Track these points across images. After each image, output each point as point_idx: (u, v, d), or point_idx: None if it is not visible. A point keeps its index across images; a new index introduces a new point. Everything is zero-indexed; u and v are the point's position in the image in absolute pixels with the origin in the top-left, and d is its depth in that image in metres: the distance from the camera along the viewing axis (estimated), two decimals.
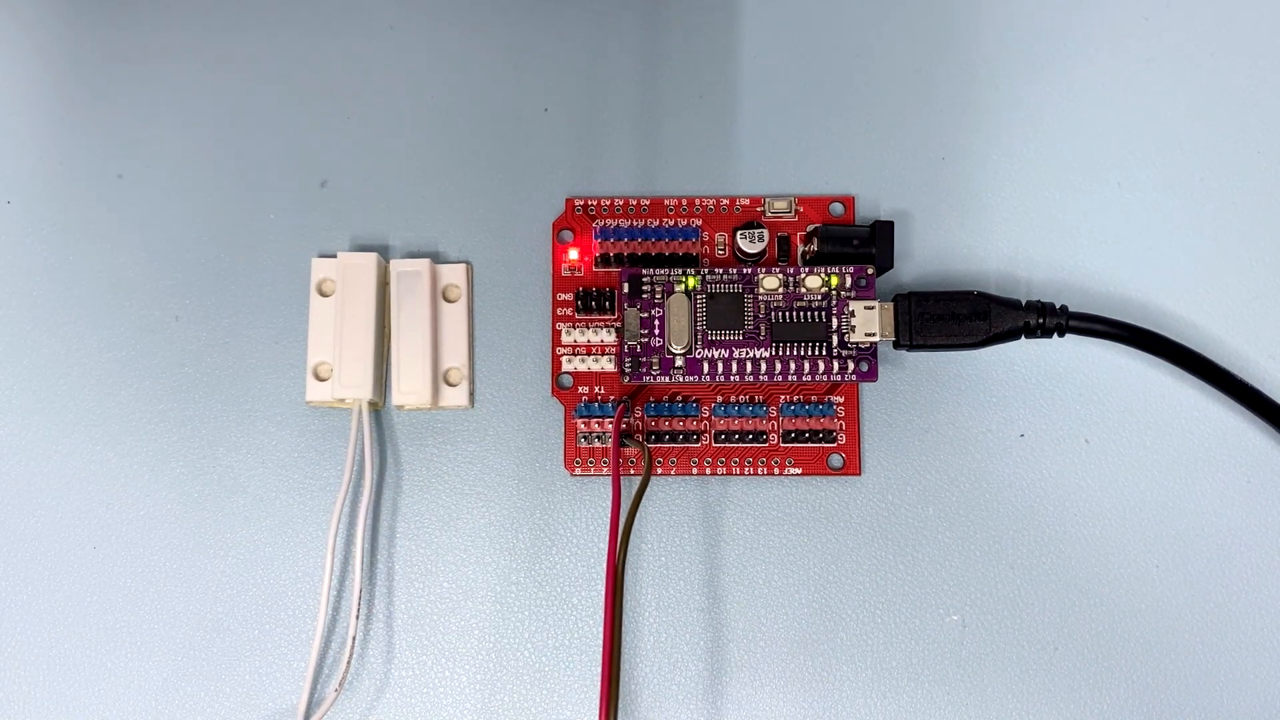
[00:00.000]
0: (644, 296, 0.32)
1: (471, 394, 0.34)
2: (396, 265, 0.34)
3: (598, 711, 0.28)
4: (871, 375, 0.32)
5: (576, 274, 0.34)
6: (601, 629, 0.31)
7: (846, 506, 0.34)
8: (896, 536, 0.34)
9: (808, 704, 0.33)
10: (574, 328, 0.34)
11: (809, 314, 0.32)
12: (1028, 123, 0.35)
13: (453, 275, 0.34)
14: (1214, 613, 0.33)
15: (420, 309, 0.34)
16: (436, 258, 0.34)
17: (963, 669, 0.33)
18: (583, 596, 0.34)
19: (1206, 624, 0.33)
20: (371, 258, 0.34)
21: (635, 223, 0.35)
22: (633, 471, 0.34)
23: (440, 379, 0.34)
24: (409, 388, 0.33)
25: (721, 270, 0.32)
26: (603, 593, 0.31)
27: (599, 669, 0.30)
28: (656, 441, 0.34)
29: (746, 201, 0.35)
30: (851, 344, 0.32)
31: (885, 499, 0.34)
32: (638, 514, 0.33)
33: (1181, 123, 0.36)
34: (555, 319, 0.34)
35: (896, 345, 0.33)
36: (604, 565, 0.32)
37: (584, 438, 0.34)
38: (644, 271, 0.32)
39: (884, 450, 0.34)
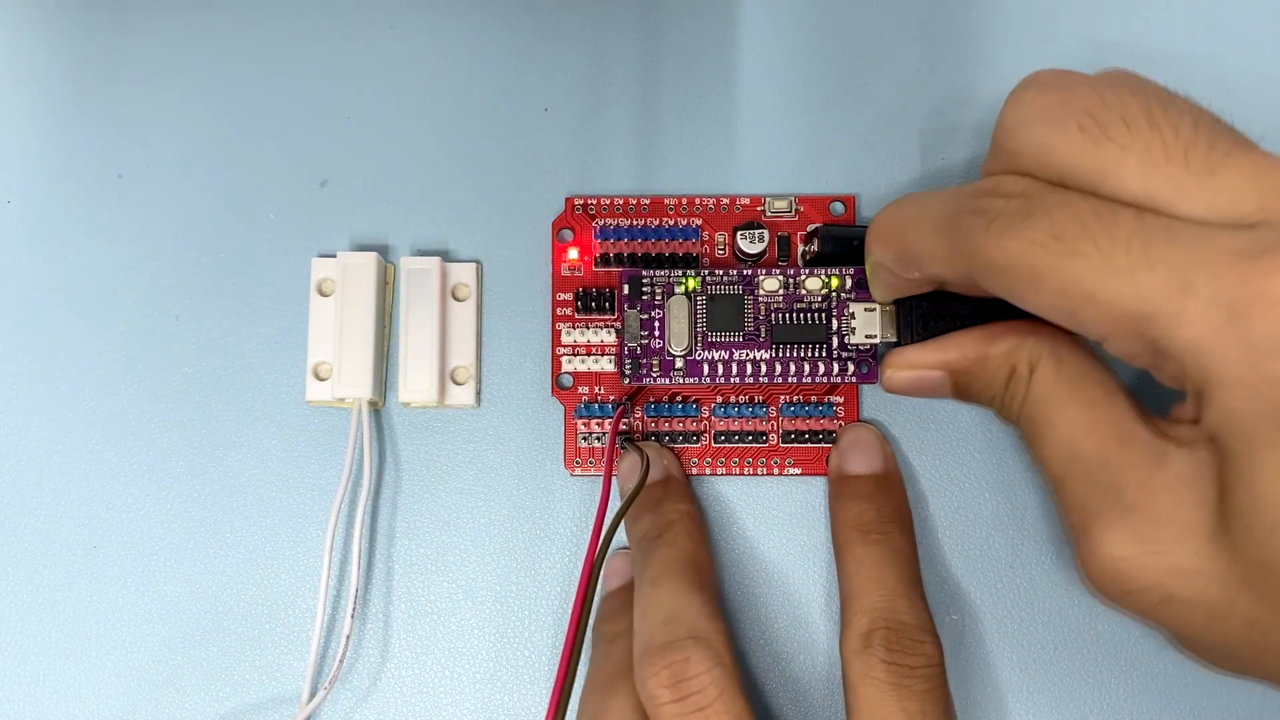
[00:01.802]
0: (644, 298, 0.32)
1: (478, 393, 0.34)
2: (406, 263, 0.34)
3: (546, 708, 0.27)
4: (871, 377, 0.32)
5: (576, 274, 0.34)
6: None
7: None
8: None
9: (807, 704, 0.33)
10: (574, 328, 0.34)
11: (809, 315, 0.32)
12: None
13: (462, 274, 0.34)
14: None
15: (429, 307, 0.34)
16: (441, 257, 0.34)
17: (963, 669, 0.33)
18: None
19: None
20: (371, 257, 0.34)
21: (635, 222, 0.35)
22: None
23: (447, 377, 0.34)
24: (416, 385, 0.33)
25: (722, 271, 0.32)
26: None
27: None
28: (656, 442, 0.34)
29: (746, 201, 0.35)
30: (851, 346, 0.32)
31: None
32: None
33: None
34: (555, 319, 0.34)
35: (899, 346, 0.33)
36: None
37: (584, 438, 0.34)
38: (644, 273, 0.32)
39: None
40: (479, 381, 0.34)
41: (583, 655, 0.29)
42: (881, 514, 0.32)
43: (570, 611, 0.29)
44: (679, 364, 0.32)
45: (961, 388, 0.29)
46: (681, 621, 0.28)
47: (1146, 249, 0.23)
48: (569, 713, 0.27)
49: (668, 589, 0.29)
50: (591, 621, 0.32)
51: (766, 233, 0.34)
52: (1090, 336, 0.25)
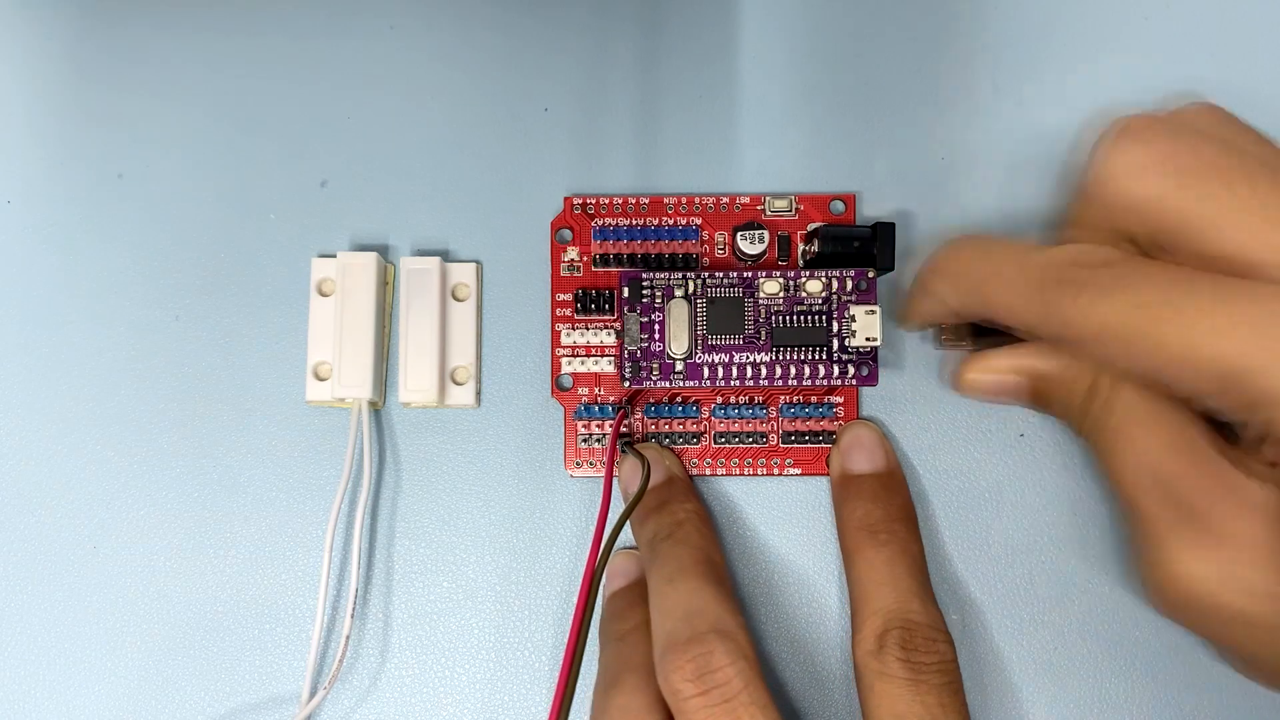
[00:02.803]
0: (644, 301, 0.32)
1: (478, 393, 0.34)
2: (406, 263, 0.34)
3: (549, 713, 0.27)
4: (871, 380, 0.32)
5: (576, 274, 0.34)
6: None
7: None
8: None
9: (806, 705, 0.33)
10: (574, 329, 0.34)
11: (809, 318, 0.32)
12: (1028, 123, 0.35)
13: (462, 274, 0.34)
14: None
15: (429, 307, 0.34)
16: (441, 257, 0.34)
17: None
18: None
19: None
20: (371, 257, 0.34)
21: (635, 222, 0.34)
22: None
23: (447, 377, 0.34)
24: (416, 385, 0.33)
25: (722, 274, 0.32)
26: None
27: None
28: (656, 443, 0.34)
29: (746, 200, 0.34)
30: (851, 348, 0.32)
31: None
32: None
33: None
34: (555, 319, 0.34)
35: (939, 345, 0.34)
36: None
37: (584, 439, 0.34)
38: (644, 275, 0.32)
39: None
40: (479, 381, 0.34)
41: (588, 658, 0.29)
42: (888, 513, 0.32)
43: (572, 614, 0.29)
44: (679, 367, 0.32)
45: (1040, 394, 0.30)
46: (703, 616, 0.28)
47: (1231, 313, 0.25)
48: (570, 714, 0.27)
49: (685, 586, 0.30)
50: (599, 622, 0.32)
51: (766, 233, 0.34)
52: (1180, 393, 0.26)
